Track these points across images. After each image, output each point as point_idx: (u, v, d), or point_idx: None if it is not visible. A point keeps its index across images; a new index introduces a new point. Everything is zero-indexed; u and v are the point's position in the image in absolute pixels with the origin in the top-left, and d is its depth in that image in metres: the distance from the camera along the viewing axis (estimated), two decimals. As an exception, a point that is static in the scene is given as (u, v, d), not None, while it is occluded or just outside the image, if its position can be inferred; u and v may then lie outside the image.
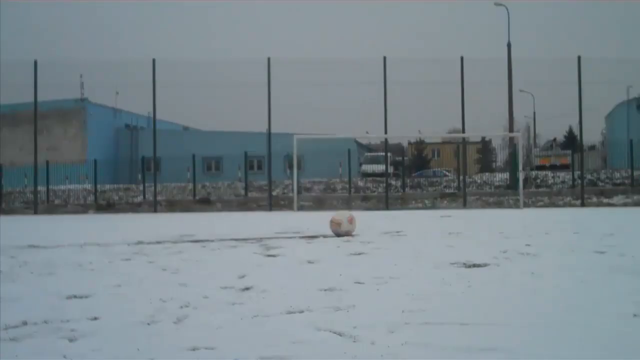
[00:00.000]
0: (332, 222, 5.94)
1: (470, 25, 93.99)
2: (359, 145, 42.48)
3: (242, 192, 21.17)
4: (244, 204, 18.80)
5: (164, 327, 2.03)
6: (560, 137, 53.78)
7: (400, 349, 1.69)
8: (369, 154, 40.73)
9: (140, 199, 20.93)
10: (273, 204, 17.76)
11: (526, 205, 16.26)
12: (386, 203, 17.59)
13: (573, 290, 2.66)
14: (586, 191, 17.39)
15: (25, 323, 2.07)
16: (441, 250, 4.38)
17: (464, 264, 3.54)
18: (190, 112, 63.08)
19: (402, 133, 27.13)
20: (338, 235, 5.78)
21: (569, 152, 27.21)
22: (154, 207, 18.42)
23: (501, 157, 43.68)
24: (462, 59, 17.21)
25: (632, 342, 1.75)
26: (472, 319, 2.03)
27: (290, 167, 23.66)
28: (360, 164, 35.15)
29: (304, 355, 1.64)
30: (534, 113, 49.90)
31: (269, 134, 18.12)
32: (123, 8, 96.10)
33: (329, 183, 22.61)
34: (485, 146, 56.49)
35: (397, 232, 6.40)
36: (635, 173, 19.53)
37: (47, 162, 21.26)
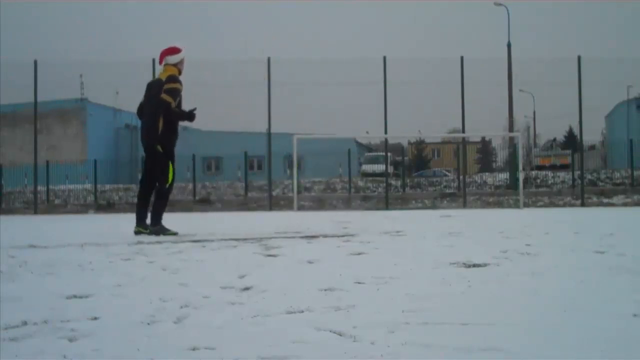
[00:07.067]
0: None
1: (470, 25, 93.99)
2: (359, 145, 42.48)
3: (242, 192, 21.17)
4: (244, 204, 18.81)
5: (164, 327, 2.03)
6: (560, 137, 53.80)
7: (400, 349, 1.69)
8: (369, 153, 40.75)
9: (140, 199, 20.90)
10: (273, 204, 17.76)
11: (526, 205, 16.26)
12: (386, 203, 17.60)
13: (573, 290, 2.66)
14: (586, 191, 17.39)
15: (25, 323, 2.07)
16: (441, 250, 4.38)
17: (464, 264, 3.54)
18: (190, 112, 62.99)
19: (402, 133, 27.11)
20: None
21: (569, 152, 27.22)
22: (154, 207, 18.38)
23: (501, 157, 43.71)
24: (462, 59, 17.21)
25: (632, 342, 1.75)
26: (472, 319, 2.03)
27: (290, 167, 23.66)
28: (360, 164, 35.14)
29: (304, 355, 1.64)
30: (534, 113, 49.92)
31: (269, 134, 18.12)
32: (123, 8, 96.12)
33: (329, 183, 22.62)
34: (485, 146, 56.51)
35: (397, 232, 6.40)
36: (635, 173, 19.54)
37: (47, 162, 21.25)
